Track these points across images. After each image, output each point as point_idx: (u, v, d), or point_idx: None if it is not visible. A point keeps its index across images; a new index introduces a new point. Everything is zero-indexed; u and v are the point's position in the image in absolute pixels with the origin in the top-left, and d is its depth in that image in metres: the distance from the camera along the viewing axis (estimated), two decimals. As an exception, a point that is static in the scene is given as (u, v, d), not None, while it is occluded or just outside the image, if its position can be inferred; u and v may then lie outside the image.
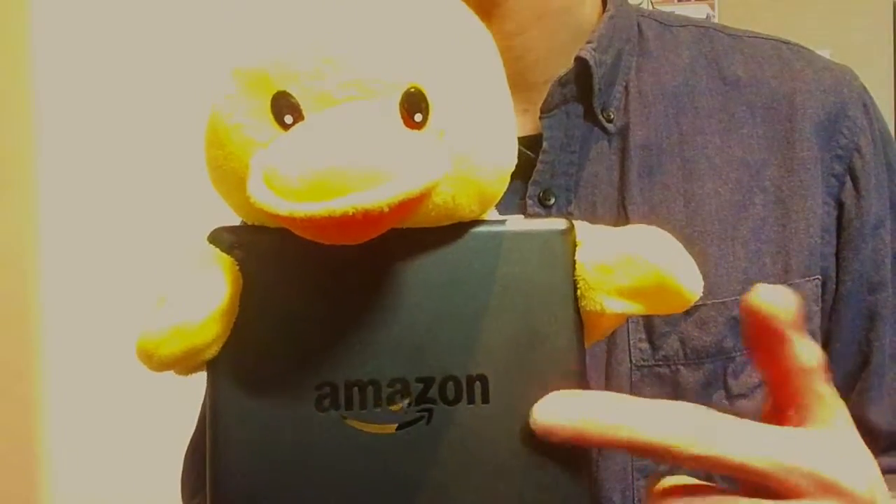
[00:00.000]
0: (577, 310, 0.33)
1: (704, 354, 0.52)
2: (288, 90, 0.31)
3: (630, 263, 0.33)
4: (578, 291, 0.33)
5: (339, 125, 0.30)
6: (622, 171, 0.55)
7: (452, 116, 0.32)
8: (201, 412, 0.69)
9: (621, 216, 0.54)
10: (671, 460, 0.32)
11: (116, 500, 1.01)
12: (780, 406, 0.35)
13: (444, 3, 0.34)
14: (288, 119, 0.31)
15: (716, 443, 0.31)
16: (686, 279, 0.33)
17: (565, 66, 0.54)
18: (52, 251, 0.97)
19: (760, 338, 0.33)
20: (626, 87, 0.57)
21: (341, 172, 0.28)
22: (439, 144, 0.31)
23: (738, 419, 0.33)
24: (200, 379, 0.73)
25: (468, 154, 0.32)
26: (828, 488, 0.32)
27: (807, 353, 0.33)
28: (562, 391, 0.32)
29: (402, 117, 0.31)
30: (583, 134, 0.55)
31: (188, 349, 0.31)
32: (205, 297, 0.31)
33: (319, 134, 0.30)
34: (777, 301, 0.32)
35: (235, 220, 0.71)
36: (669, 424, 0.32)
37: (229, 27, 1.13)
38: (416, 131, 0.31)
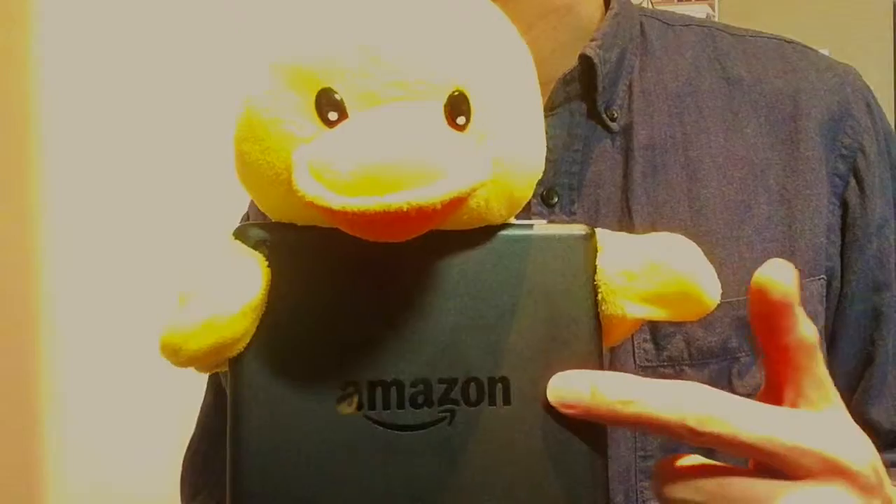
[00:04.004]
0: (597, 314, 0.34)
1: (709, 355, 0.52)
2: (333, 87, 0.31)
3: (655, 270, 0.34)
4: (600, 296, 0.34)
5: (388, 123, 0.30)
6: (626, 171, 0.55)
7: (492, 121, 0.32)
8: (200, 413, 0.69)
9: (625, 216, 0.54)
10: (684, 438, 0.32)
11: (115, 500, 1.01)
12: (776, 385, 0.35)
13: (486, 9, 0.35)
14: (332, 116, 0.31)
15: (729, 421, 0.32)
16: (708, 287, 0.34)
17: (569, 64, 0.54)
18: (54, 251, 0.97)
19: (765, 311, 0.34)
20: (629, 86, 0.57)
21: (394, 168, 0.29)
22: (481, 147, 0.32)
23: (750, 400, 0.33)
24: (200, 381, 0.72)
25: (505, 159, 0.33)
26: (835, 469, 0.33)
27: (807, 328, 0.34)
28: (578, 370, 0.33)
29: (446, 119, 0.31)
30: (586, 133, 0.55)
31: (217, 343, 0.31)
32: (236, 290, 0.31)
33: (370, 130, 0.30)
34: (781, 275, 0.33)
35: (233, 223, 0.70)
36: (683, 401, 0.32)
37: (242, 25, 1.13)
38: (458, 133, 0.31)
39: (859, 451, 0.34)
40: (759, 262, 0.53)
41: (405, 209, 0.28)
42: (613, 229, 0.52)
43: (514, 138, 0.33)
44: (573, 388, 0.33)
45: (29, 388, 0.95)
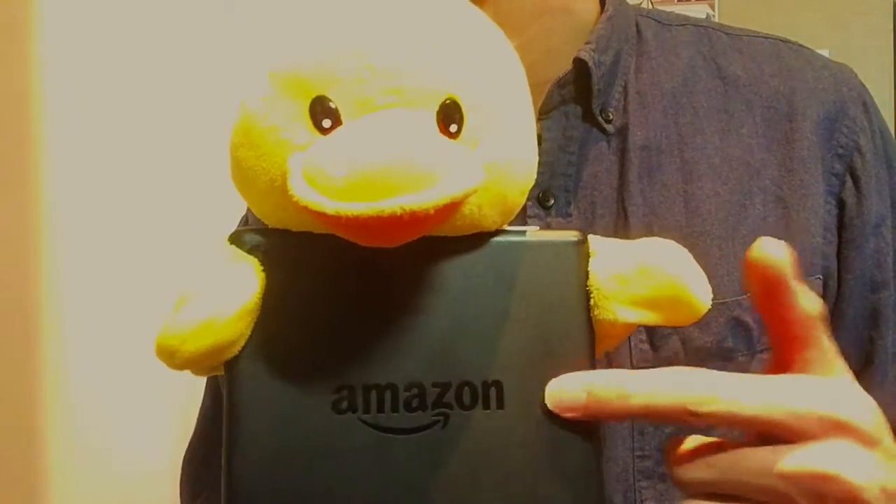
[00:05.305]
0: (589, 319, 0.34)
1: (705, 355, 0.52)
2: (328, 95, 0.32)
3: (646, 274, 0.34)
4: (592, 300, 0.34)
5: (382, 129, 0.31)
6: (621, 172, 0.55)
7: (484, 129, 0.33)
8: (199, 415, 0.69)
9: (621, 217, 0.54)
10: (684, 421, 0.33)
11: (116, 500, 1.01)
12: (783, 361, 0.36)
13: (477, 18, 0.35)
14: (326, 123, 0.32)
15: (725, 397, 0.32)
16: (699, 291, 0.34)
17: (564, 66, 0.54)
18: (55, 252, 0.97)
19: (765, 288, 0.34)
20: (624, 88, 0.57)
21: (387, 173, 0.29)
22: (473, 154, 0.32)
23: (742, 374, 0.34)
24: (200, 383, 0.72)
25: (497, 166, 0.33)
26: (837, 428, 0.33)
27: (808, 300, 0.35)
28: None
29: (438, 126, 0.32)
30: (581, 135, 0.55)
31: (214, 345, 0.31)
32: (233, 293, 0.32)
33: (363, 136, 0.30)
34: (775, 252, 0.34)
35: (233, 223, 0.71)
36: (677, 386, 0.33)
37: (243, 28, 1.13)
38: (451, 140, 0.32)
39: (859, 407, 0.34)
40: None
41: (398, 214, 0.29)
42: (609, 231, 0.52)
43: (505, 145, 0.34)
44: (569, 391, 0.33)
45: (30, 389, 0.96)
